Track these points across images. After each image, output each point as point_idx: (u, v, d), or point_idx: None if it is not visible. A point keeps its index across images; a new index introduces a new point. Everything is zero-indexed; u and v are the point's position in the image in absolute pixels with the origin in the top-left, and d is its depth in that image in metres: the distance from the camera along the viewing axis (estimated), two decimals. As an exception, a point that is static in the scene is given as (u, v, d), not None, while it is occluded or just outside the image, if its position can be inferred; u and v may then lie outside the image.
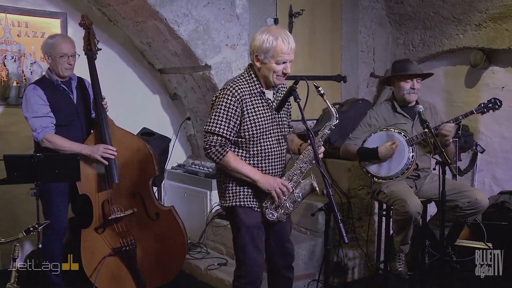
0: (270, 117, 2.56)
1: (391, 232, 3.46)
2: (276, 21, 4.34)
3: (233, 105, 2.45)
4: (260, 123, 2.52)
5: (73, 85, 3.38)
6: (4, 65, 3.91)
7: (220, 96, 2.48)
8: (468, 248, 4.07)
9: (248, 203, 2.57)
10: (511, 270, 3.44)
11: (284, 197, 2.53)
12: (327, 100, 2.47)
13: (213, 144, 2.46)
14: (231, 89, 2.47)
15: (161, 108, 4.80)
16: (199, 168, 4.54)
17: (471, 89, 4.57)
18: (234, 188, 2.57)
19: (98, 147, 3.24)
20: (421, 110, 3.13)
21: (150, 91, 4.71)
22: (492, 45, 4.24)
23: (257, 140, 2.53)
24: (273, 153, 2.59)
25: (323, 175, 2.23)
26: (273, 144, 2.59)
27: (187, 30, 3.87)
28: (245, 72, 2.57)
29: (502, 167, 4.43)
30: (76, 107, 3.36)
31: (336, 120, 2.55)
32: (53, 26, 4.08)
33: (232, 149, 2.55)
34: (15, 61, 3.96)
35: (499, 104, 3.17)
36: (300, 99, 2.39)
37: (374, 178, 3.34)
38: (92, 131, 3.39)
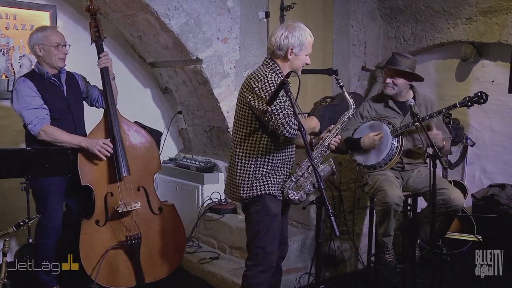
0: (294, 109, 2.59)
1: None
2: (267, 15, 4.32)
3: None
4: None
5: (63, 78, 3.32)
6: (-7, 59, 3.87)
7: (264, 81, 2.51)
8: (458, 241, 4.11)
9: (275, 191, 2.65)
10: (510, 267, 3.46)
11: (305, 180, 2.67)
12: (346, 92, 2.80)
13: (286, 115, 2.42)
14: (271, 75, 2.55)
15: (152, 102, 4.79)
16: (190, 162, 4.53)
17: (462, 83, 4.60)
18: (263, 177, 2.63)
19: (97, 141, 3.22)
20: (412, 103, 3.14)
21: (141, 84, 4.69)
22: (482, 39, 4.26)
23: None
24: (293, 140, 2.72)
25: (315, 169, 2.23)
26: None
27: (178, 23, 3.85)
28: (269, 65, 2.65)
29: (492, 160, 4.47)
30: (67, 100, 3.31)
31: (354, 109, 2.82)
32: (42, 18, 4.03)
33: (266, 138, 2.60)
34: (3, 54, 3.91)
35: (484, 98, 3.13)
36: (291, 93, 2.40)
37: (359, 167, 3.43)
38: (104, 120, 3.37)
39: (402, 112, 3.40)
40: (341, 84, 2.77)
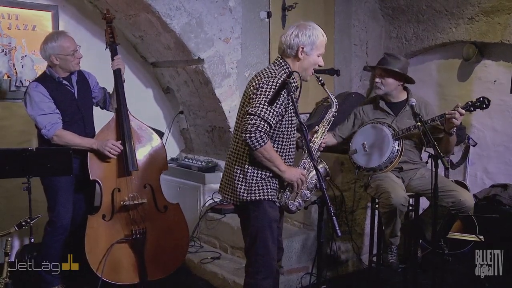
0: (295, 109, 2.58)
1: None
2: (269, 15, 4.32)
3: (283, 96, 2.44)
4: (294, 116, 2.57)
5: (74, 79, 3.36)
6: (-6, 59, 3.87)
7: (271, 84, 2.44)
8: (460, 241, 4.11)
9: (273, 196, 2.59)
10: (509, 267, 3.45)
11: (301, 186, 2.61)
12: (327, 90, 2.72)
13: (259, 129, 2.39)
14: (282, 76, 2.48)
15: (154, 102, 4.79)
16: (192, 162, 4.53)
17: (464, 83, 4.59)
18: (262, 181, 2.56)
19: (106, 143, 3.26)
20: (414, 104, 3.13)
21: (142, 84, 4.69)
22: (484, 38, 4.25)
23: (290, 132, 2.59)
24: (293, 144, 2.69)
25: (316, 169, 2.24)
26: (294, 136, 2.67)
27: (180, 23, 3.85)
28: (280, 64, 2.59)
29: (494, 160, 4.46)
30: (77, 102, 3.35)
31: (336, 107, 2.79)
32: (44, 18, 4.03)
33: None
34: (5, 54, 3.91)
35: (487, 103, 3.06)
36: (293, 93, 2.41)
37: (359, 169, 3.42)
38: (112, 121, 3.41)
39: (393, 112, 3.39)
40: (322, 81, 2.70)
